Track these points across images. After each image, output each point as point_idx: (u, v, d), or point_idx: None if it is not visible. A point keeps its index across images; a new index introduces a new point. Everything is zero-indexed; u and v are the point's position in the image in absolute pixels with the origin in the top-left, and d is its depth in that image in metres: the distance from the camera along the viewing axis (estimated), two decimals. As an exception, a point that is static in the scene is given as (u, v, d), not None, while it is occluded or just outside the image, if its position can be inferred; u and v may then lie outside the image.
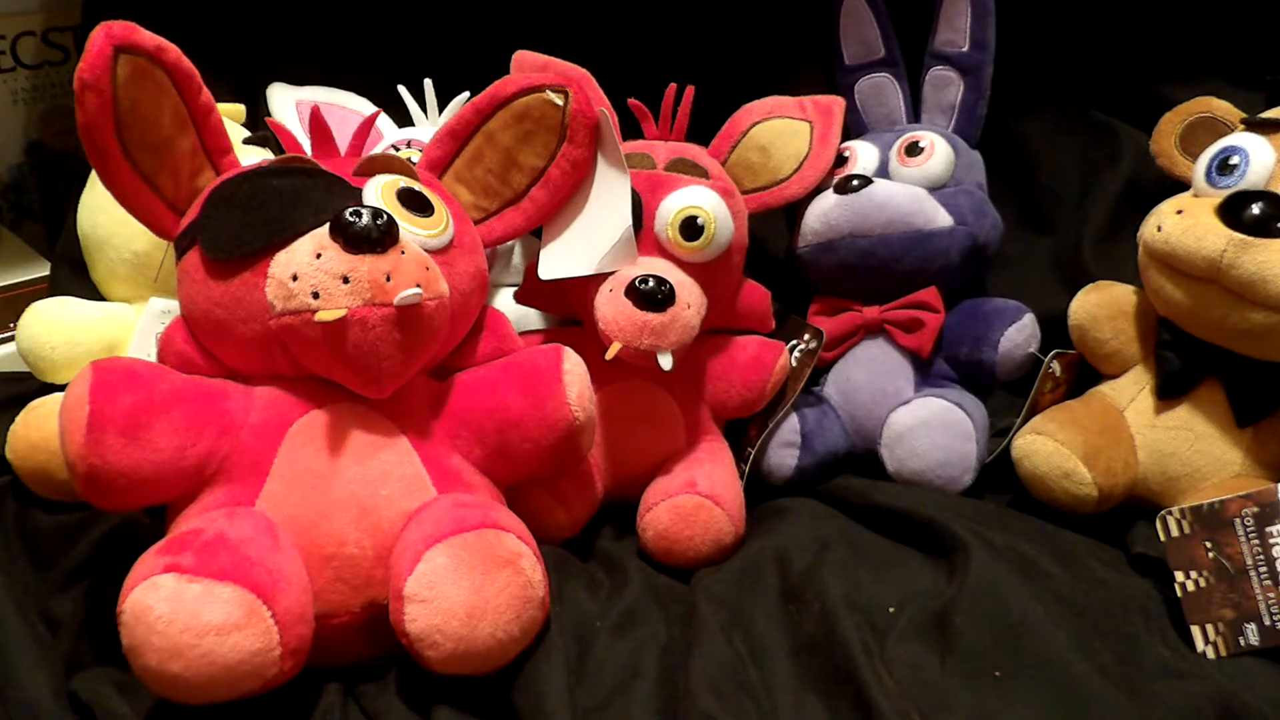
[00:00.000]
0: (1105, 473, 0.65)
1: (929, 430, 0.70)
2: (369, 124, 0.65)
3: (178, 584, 0.46)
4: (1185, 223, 0.61)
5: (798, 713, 0.52)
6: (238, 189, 0.56)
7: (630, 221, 0.64)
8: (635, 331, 0.61)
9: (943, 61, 0.80)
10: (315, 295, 0.52)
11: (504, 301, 0.75)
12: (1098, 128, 0.88)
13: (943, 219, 0.73)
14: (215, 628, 0.46)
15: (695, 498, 0.65)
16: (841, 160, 0.78)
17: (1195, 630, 0.58)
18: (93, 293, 0.75)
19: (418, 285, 0.53)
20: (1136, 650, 0.56)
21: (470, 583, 0.49)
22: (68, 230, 0.79)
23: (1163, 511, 0.60)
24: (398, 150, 0.76)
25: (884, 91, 0.83)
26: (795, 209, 0.77)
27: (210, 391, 0.55)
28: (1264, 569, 0.57)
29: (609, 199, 0.65)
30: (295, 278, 0.52)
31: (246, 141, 0.74)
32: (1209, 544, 0.59)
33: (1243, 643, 0.57)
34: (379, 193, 0.57)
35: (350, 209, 0.53)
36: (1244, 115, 0.68)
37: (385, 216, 0.53)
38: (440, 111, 0.81)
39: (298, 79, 0.86)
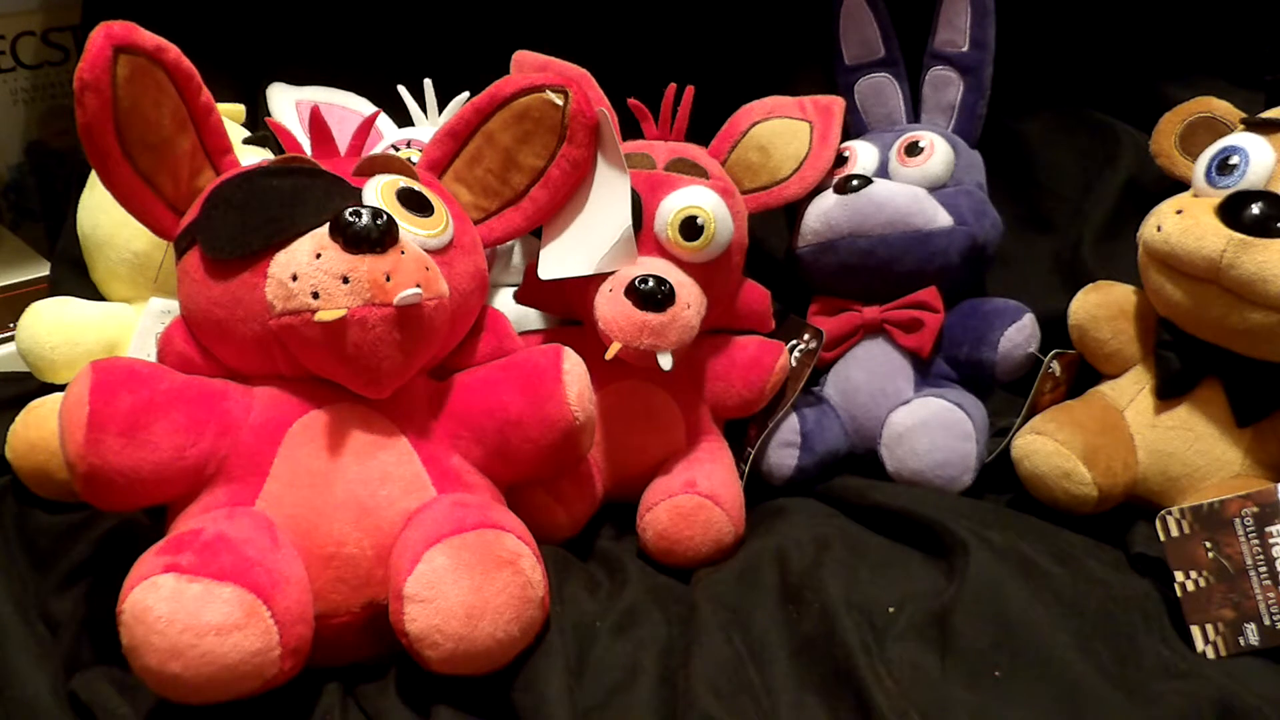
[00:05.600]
0: (1105, 473, 0.65)
1: (929, 430, 0.70)
2: (369, 124, 0.65)
3: (177, 584, 0.46)
4: (1185, 223, 0.61)
5: (798, 713, 0.52)
6: (238, 189, 0.56)
7: (630, 221, 0.64)
8: (635, 331, 0.61)
9: (943, 61, 0.80)
10: (315, 295, 0.52)
11: (504, 301, 0.75)
12: (1098, 128, 0.88)
13: (943, 219, 0.73)
14: (215, 628, 0.46)
15: (695, 498, 0.64)
16: (841, 160, 0.78)
17: (1195, 630, 0.58)
18: (93, 293, 0.75)
19: (417, 285, 0.53)
20: (1136, 650, 0.56)
21: (470, 583, 0.49)
22: (68, 230, 0.79)
23: (1163, 511, 0.60)
24: (398, 150, 0.76)
25: (884, 91, 0.83)
26: (795, 209, 0.77)
27: (210, 391, 0.55)
28: (1264, 569, 0.57)
29: (609, 199, 0.65)
30: (295, 278, 0.52)
31: (246, 141, 0.74)
32: (1209, 544, 0.59)
33: (1243, 643, 0.57)
34: (379, 193, 0.57)
35: (350, 209, 0.53)
36: (1244, 115, 0.68)
37: (385, 216, 0.53)
38: (440, 111, 0.81)
39: (298, 79, 0.86)
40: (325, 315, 0.51)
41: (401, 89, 0.81)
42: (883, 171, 0.77)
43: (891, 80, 0.82)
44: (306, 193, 0.55)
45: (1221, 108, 0.71)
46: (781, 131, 0.76)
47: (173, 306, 0.67)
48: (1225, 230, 0.59)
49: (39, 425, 0.65)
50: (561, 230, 0.68)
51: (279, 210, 0.54)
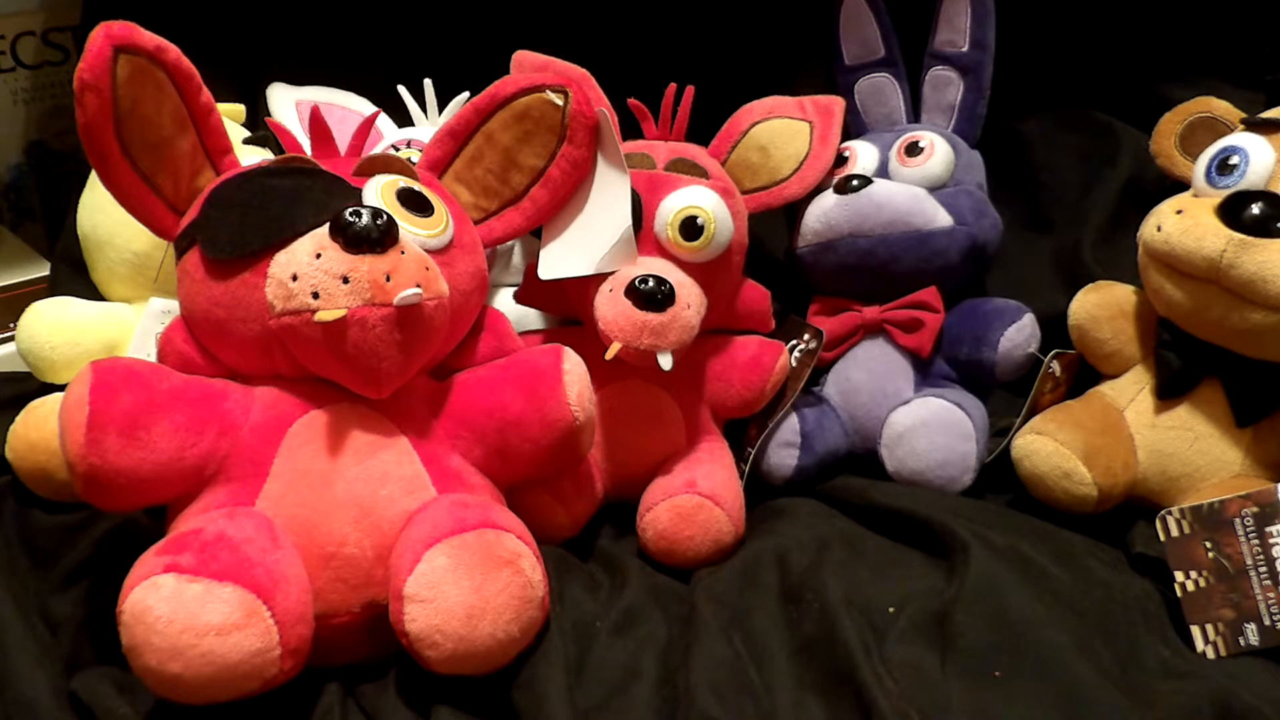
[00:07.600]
0: (1105, 473, 0.65)
1: (929, 430, 0.70)
2: (369, 124, 0.65)
3: (178, 584, 0.46)
4: (1185, 223, 0.61)
5: (798, 713, 0.52)
6: (238, 189, 0.56)
7: (630, 221, 0.64)
8: (635, 331, 0.61)
9: (943, 61, 0.80)
10: (315, 295, 0.52)
11: (504, 301, 0.75)
12: (1098, 128, 0.88)
13: (942, 219, 0.73)
14: (215, 628, 0.46)
15: (695, 498, 0.64)
16: (841, 160, 0.78)
17: (1195, 630, 0.58)
18: (93, 293, 0.75)
19: (417, 285, 0.53)
20: (1136, 650, 0.56)
21: (470, 583, 0.49)
22: (68, 230, 0.79)
23: (1163, 511, 0.60)
24: (398, 150, 0.76)
25: (884, 91, 0.83)
26: (795, 209, 0.77)
27: (210, 391, 0.55)
28: (1264, 569, 0.57)
29: (609, 199, 0.65)
30: (295, 278, 0.52)
31: (246, 141, 0.74)
32: (1209, 544, 0.59)
33: (1242, 643, 0.57)
34: (379, 193, 0.57)
35: (350, 209, 0.53)
36: (1244, 115, 0.68)
37: (385, 216, 0.53)
38: (440, 111, 0.81)
39: (298, 79, 0.86)
40: (325, 315, 0.51)
41: (401, 89, 0.81)
42: (883, 171, 0.77)
43: (891, 80, 0.82)
44: (306, 193, 0.55)
45: (1221, 108, 0.71)
46: (781, 131, 0.76)
47: (173, 306, 0.67)
48: (1225, 230, 0.59)
49: (39, 425, 0.65)
50: (561, 230, 0.68)
51: (279, 210, 0.54)
